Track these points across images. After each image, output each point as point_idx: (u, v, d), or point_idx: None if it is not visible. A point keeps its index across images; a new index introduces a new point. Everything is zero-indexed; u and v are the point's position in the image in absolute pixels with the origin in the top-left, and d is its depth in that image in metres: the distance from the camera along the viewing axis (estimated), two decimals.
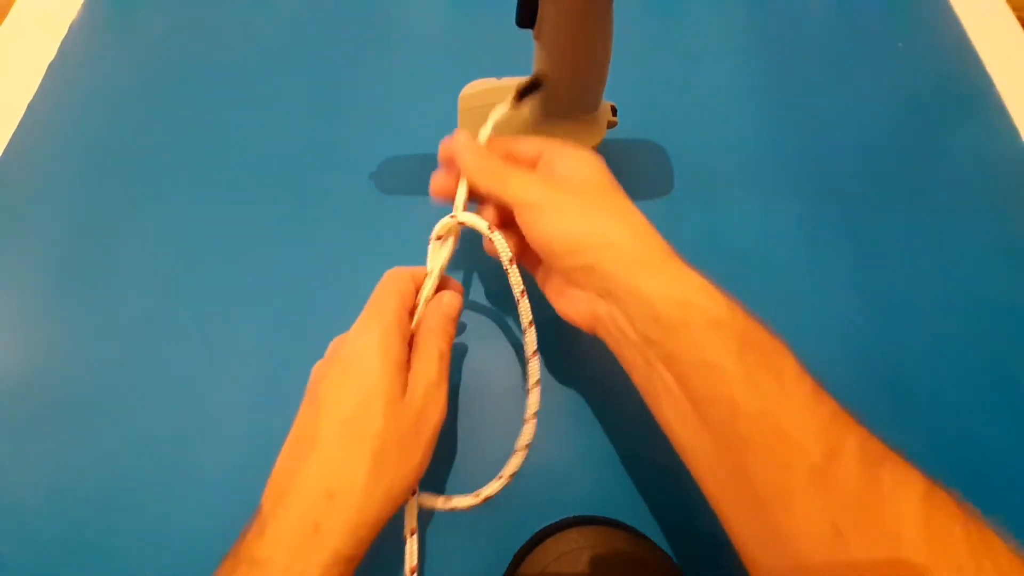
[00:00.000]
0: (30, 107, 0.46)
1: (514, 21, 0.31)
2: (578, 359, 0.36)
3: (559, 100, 0.34)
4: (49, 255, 0.40)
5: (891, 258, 0.39)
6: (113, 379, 0.35)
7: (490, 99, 0.37)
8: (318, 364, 0.28)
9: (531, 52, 0.33)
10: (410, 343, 0.27)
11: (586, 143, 0.36)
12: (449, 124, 0.37)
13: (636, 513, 0.31)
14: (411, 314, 0.28)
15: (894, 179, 0.43)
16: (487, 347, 0.36)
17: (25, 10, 0.52)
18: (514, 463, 0.28)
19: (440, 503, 0.28)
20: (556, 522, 0.31)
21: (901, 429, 0.23)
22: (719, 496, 0.24)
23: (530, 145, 0.30)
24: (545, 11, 0.29)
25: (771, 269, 0.39)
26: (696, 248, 0.39)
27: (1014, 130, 0.45)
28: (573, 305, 0.28)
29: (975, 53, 0.49)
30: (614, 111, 0.37)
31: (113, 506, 0.32)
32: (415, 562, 0.27)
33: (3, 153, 0.43)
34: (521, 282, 0.29)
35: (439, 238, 0.30)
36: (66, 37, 0.50)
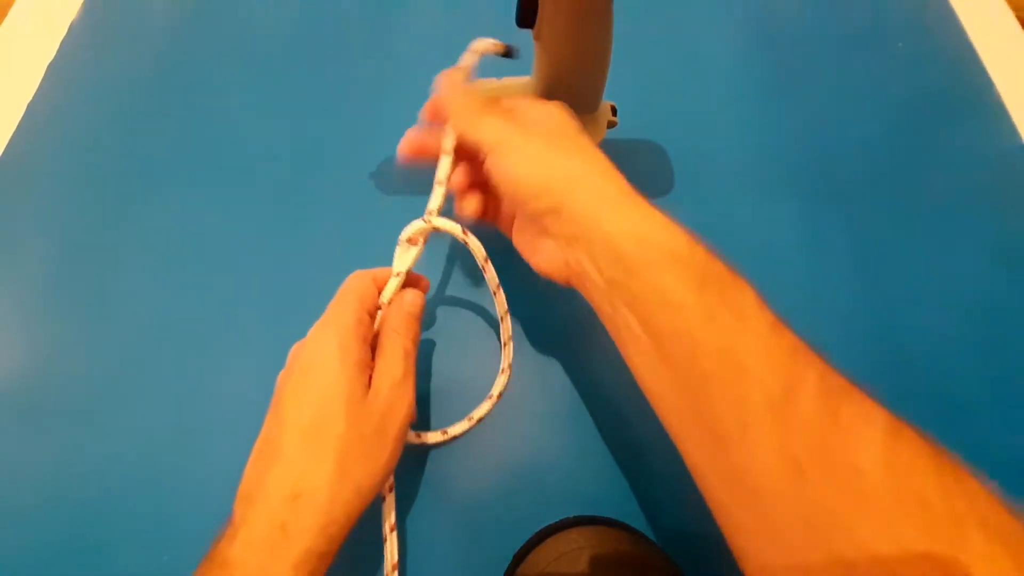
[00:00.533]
0: (30, 107, 0.46)
1: (514, 21, 0.31)
2: (578, 359, 0.36)
3: (559, 100, 0.34)
4: (49, 255, 0.40)
5: (891, 258, 0.39)
6: (113, 379, 0.35)
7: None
8: (281, 373, 0.28)
9: (531, 52, 0.33)
10: (375, 344, 0.28)
11: None
12: None
13: (636, 513, 0.31)
14: (372, 315, 0.28)
15: (894, 179, 0.43)
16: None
17: (25, 10, 0.52)
18: (483, 408, 0.32)
19: (412, 438, 0.30)
20: (556, 522, 0.31)
21: None
22: (682, 435, 0.24)
23: (505, 104, 0.30)
24: (545, 11, 0.29)
25: (771, 269, 0.38)
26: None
27: (1014, 130, 0.45)
28: (546, 258, 0.28)
29: (975, 53, 0.49)
30: (614, 111, 0.37)
31: (113, 506, 0.32)
32: (396, 559, 0.28)
33: (3, 153, 0.43)
34: (496, 278, 0.30)
35: (409, 240, 0.30)
36: (66, 37, 0.50)
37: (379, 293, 0.29)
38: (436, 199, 0.30)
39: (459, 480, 0.33)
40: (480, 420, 0.33)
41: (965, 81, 0.48)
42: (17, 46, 0.50)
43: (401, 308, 0.29)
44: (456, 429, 0.32)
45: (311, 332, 0.27)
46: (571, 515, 0.31)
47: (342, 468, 0.23)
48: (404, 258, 0.30)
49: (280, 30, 0.51)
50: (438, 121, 0.31)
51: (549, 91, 0.34)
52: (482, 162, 0.28)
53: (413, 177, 0.42)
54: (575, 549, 0.29)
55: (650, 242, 0.23)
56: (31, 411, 0.35)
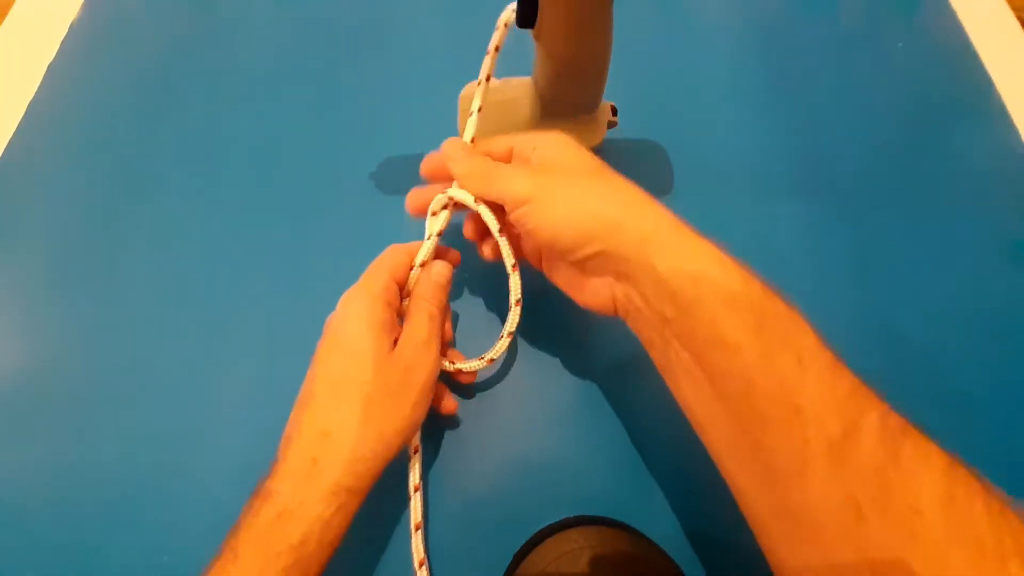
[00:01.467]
0: (30, 107, 0.46)
1: (514, 21, 0.31)
2: (579, 360, 0.36)
3: (559, 100, 0.34)
4: (49, 254, 0.40)
5: (891, 258, 0.39)
6: (113, 379, 0.35)
7: (490, 99, 0.37)
8: (319, 342, 0.29)
9: (531, 52, 0.33)
10: (404, 312, 0.30)
11: (586, 143, 0.36)
12: (449, 124, 0.37)
13: (636, 513, 0.31)
14: (402, 285, 0.30)
15: (894, 179, 0.43)
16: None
17: (25, 10, 0.52)
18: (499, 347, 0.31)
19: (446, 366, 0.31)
20: (556, 522, 0.31)
21: None
22: (736, 472, 0.24)
23: (499, 143, 0.30)
24: (545, 11, 0.29)
25: (771, 269, 0.38)
26: None
27: (1014, 130, 0.45)
28: (591, 294, 0.28)
29: (975, 53, 0.49)
30: (614, 111, 0.37)
31: (113, 506, 0.32)
32: (420, 518, 0.29)
33: (3, 153, 0.43)
34: (512, 255, 0.30)
35: (434, 213, 0.31)
36: (66, 37, 0.50)
37: (409, 263, 0.30)
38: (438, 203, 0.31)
39: (459, 480, 0.33)
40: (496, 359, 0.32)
41: (965, 81, 0.48)
42: (17, 46, 0.50)
43: (430, 277, 0.30)
44: (473, 364, 0.31)
45: (341, 300, 0.29)
46: (571, 515, 0.31)
47: (367, 413, 0.25)
48: (433, 224, 0.31)
49: (280, 30, 0.51)
50: (436, 180, 0.32)
51: (549, 91, 0.34)
52: (505, 212, 0.28)
53: (413, 177, 0.42)
54: (575, 549, 0.29)
55: (704, 281, 0.23)
56: (31, 411, 0.35)
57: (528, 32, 0.31)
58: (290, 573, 0.23)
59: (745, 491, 0.23)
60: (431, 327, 0.28)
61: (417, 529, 0.29)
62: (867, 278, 0.38)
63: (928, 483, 0.19)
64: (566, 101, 0.35)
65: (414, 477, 0.30)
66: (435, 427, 0.34)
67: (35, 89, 0.47)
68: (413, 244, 0.31)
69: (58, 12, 0.51)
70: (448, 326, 0.32)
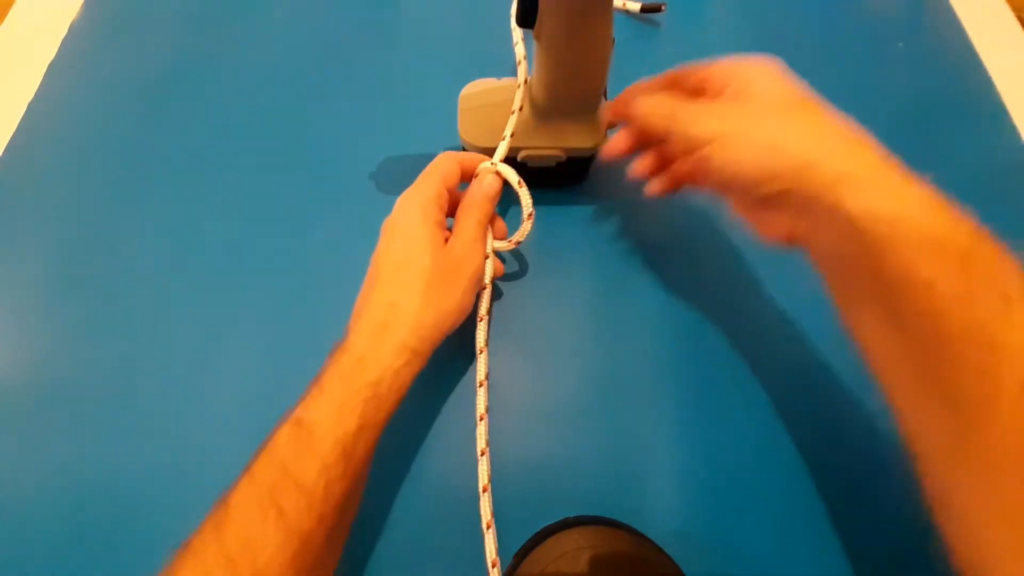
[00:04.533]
0: (30, 107, 0.46)
1: (514, 21, 0.31)
2: (579, 359, 0.36)
3: (559, 100, 0.34)
4: (49, 254, 0.40)
5: None
6: (113, 378, 0.35)
7: (490, 99, 0.37)
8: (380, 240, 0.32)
9: (531, 52, 0.33)
10: (454, 216, 0.33)
11: (586, 143, 0.36)
12: (449, 124, 0.37)
13: (636, 513, 0.31)
14: (452, 191, 0.32)
15: None
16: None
17: (25, 10, 0.52)
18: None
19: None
20: (556, 522, 0.31)
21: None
22: (906, 405, 0.23)
23: (697, 73, 0.30)
24: (545, 11, 0.29)
25: (771, 268, 0.39)
26: (697, 248, 0.40)
27: (1014, 130, 0.45)
28: (770, 227, 0.28)
29: (975, 53, 0.49)
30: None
31: (113, 506, 0.32)
32: (495, 555, 0.28)
33: (3, 153, 0.43)
34: (531, 203, 0.33)
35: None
36: (66, 37, 0.50)
37: (461, 175, 0.33)
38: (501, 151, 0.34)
39: (459, 480, 0.33)
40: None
41: (965, 81, 0.48)
42: (17, 46, 0.50)
43: (480, 188, 0.32)
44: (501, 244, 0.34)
45: (398, 201, 0.31)
46: (571, 515, 0.31)
47: (427, 291, 0.28)
48: (499, 152, 0.34)
49: (281, 29, 0.51)
50: (619, 119, 0.33)
51: (549, 91, 0.34)
52: (689, 152, 0.27)
53: (413, 177, 0.42)
54: (575, 549, 0.29)
55: (903, 222, 0.22)
56: (30, 411, 0.35)
57: (528, 32, 0.31)
58: (368, 404, 0.26)
59: (920, 426, 0.22)
60: (478, 230, 0.31)
61: (482, 455, 0.30)
62: None
63: None
64: (566, 101, 0.35)
65: (480, 408, 0.31)
66: (436, 426, 0.34)
67: (35, 89, 0.47)
68: (465, 154, 0.33)
69: (58, 12, 0.51)
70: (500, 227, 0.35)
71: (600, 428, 0.34)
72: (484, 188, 0.32)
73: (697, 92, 0.30)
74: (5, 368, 0.36)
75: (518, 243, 0.34)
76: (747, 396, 0.35)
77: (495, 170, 0.33)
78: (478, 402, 0.30)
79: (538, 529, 0.31)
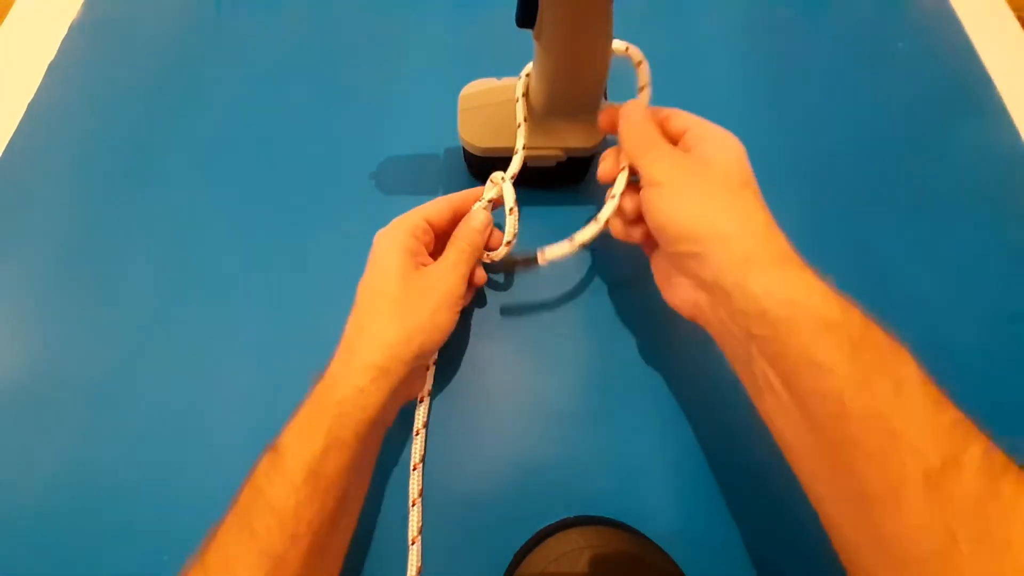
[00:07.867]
0: (30, 107, 0.46)
1: (514, 21, 0.31)
2: (579, 359, 0.36)
3: (559, 100, 0.34)
4: (49, 254, 0.40)
5: (890, 258, 0.39)
6: (113, 378, 0.35)
7: (490, 99, 0.37)
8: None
9: (531, 52, 0.33)
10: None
11: (586, 143, 0.36)
12: (449, 124, 0.37)
13: (636, 513, 0.31)
14: (434, 225, 0.34)
15: (894, 179, 0.43)
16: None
17: (25, 10, 0.52)
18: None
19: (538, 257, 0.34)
20: (556, 522, 0.31)
21: None
22: (821, 493, 0.24)
23: (680, 120, 0.31)
24: (545, 11, 0.29)
25: None
26: None
27: (1014, 130, 0.45)
28: (678, 293, 0.30)
29: (975, 53, 0.49)
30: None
31: (113, 506, 0.32)
32: (419, 564, 0.29)
33: (3, 153, 0.44)
34: (513, 198, 0.34)
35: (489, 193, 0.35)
36: (66, 37, 0.50)
37: (450, 215, 0.34)
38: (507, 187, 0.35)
39: (459, 480, 0.33)
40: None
41: (965, 81, 0.48)
42: (17, 46, 0.50)
43: (468, 223, 0.34)
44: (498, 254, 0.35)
45: (376, 235, 0.33)
46: (571, 515, 0.31)
47: (392, 310, 0.30)
48: (490, 191, 0.35)
49: (281, 29, 0.51)
50: (608, 131, 0.34)
51: (549, 91, 0.34)
52: (644, 186, 0.29)
53: (413, 177, 0.42)
54: (575, 549, 0.29)
55: (800, 305, 0.23)
56: (30, 410, 0.35)
57: (528, 32, 0.31)
58: (334, 423, 0.27)
59: (834, 517, 0.23)
60: (459, 256, 0.32)
61: (415, 539, 0.30)
62: (866, 277, 0.38)
63: None
64: (566, 101, 0.35)
65: (415, 456, 0.32)
66: (435, 427, 0.34)
67: (35, 89, 0.47)
68: (455, 195, 0.35)
69: (58, 12, 0.51)
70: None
71: (600, 428, 0.34)
72: (471, 221, 0.34)
73: (674, 138, 0.31)
74: (5, 368, 0.36)
75: (509, 244, 0.34)
76: (747, 396, 0.35)
77: (485, 206, 0.34)
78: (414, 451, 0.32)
79: (538, 529, 0.31)
